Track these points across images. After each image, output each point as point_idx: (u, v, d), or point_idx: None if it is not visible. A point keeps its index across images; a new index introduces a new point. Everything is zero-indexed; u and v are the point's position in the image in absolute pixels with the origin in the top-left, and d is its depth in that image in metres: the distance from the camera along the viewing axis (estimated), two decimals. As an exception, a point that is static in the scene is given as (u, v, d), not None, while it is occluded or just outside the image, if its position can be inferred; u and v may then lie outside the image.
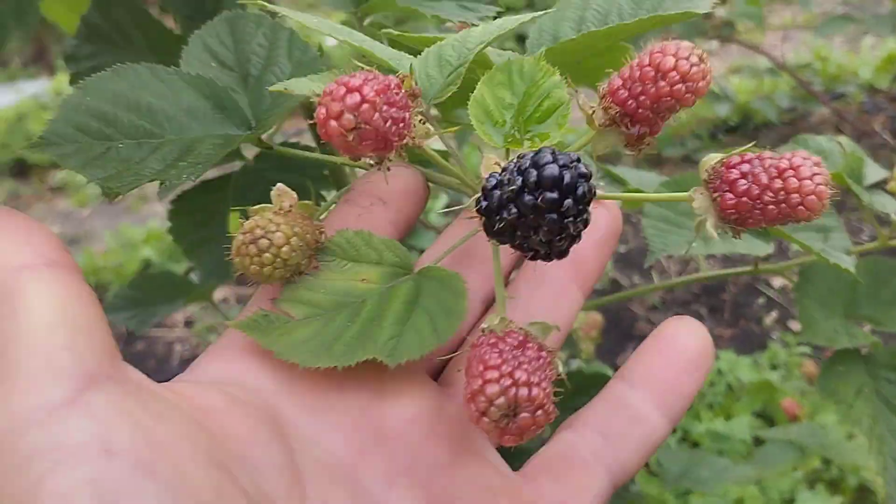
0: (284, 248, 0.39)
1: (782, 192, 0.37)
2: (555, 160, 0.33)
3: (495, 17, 0.56)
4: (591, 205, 0.34)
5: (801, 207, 0.37)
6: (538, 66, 0.41)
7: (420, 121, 0.39)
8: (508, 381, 0.34)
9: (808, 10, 3.51)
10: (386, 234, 0.44)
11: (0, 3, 0.54)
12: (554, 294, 0.45)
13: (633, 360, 0.45)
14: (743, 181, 0.38)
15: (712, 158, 0.39)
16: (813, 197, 0.36)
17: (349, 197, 0.46)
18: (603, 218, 0.47)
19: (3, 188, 3.91)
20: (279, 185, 0.42)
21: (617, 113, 0.39)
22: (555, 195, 0.32)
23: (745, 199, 0.37)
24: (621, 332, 2.41)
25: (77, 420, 0.28)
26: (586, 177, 0.33)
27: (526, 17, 0.46)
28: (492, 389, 0.34)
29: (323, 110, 0.35)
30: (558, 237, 0.33)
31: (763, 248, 0.62)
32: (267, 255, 0.39)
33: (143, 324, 0.97)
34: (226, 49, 0.50)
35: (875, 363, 0.67)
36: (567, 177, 0.32)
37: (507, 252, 0.40)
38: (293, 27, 0.51)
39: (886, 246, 0.71)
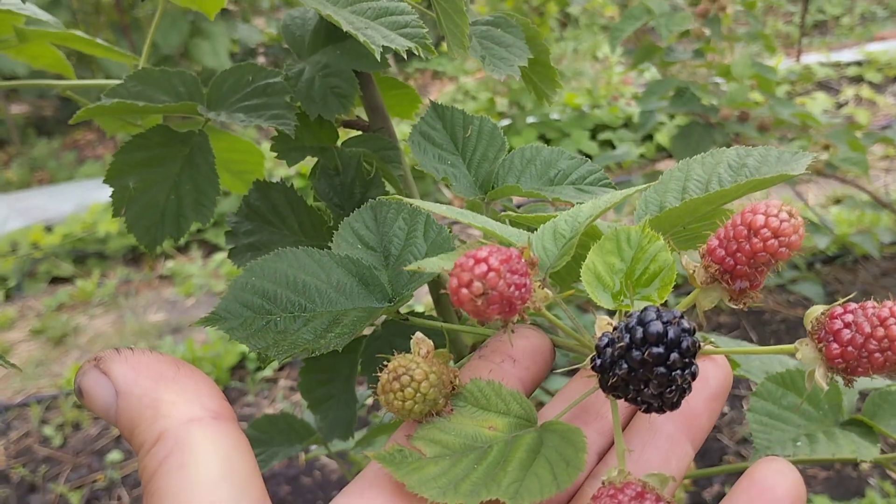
0: (424, 384, 0.42)
1: (885, 340, 0.37)
2: (659, 317, 0.36)
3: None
4: (698, 359, 0.37)
5: None
6: (644, 234, 0.44)
7: (539, 286, 0.42)
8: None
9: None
10: (514, 389, 0.47)
11: (185, 199, 0.63)
12: (666, 447, 0.46)
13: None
14: (847, 331, 0.39)
15: (816, 310, 0.41)
16: None
17: (483, 353, 0.49)
18: (713, 372, 0.48)
19: (116, 274, 4.13)
20: (418, 333, 0.47)
21: (717, 270, 0.41)
22: (660, 349, 0.35)
23: (850, 348, 0.38)
24: (709, 463, 2.34)
25: None
26: (689, 331, 0.36)
27: (630, 190, 0.50)
28: None
29: (455, 280, 0.38)
30: (668, 389, 0.36)
31: (870, 451, 0.61)
32: (409, 389, 0.42)
33: (265, 463, 1.02)
34: (370, 232, 0.57)
35: None
36: (671, 332, 0.36)
37: (622, 406, 0.43)
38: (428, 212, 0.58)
39: None
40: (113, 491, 2.66)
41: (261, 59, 6.20)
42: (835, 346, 0.39)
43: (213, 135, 0.79)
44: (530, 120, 4.59)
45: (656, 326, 0.36)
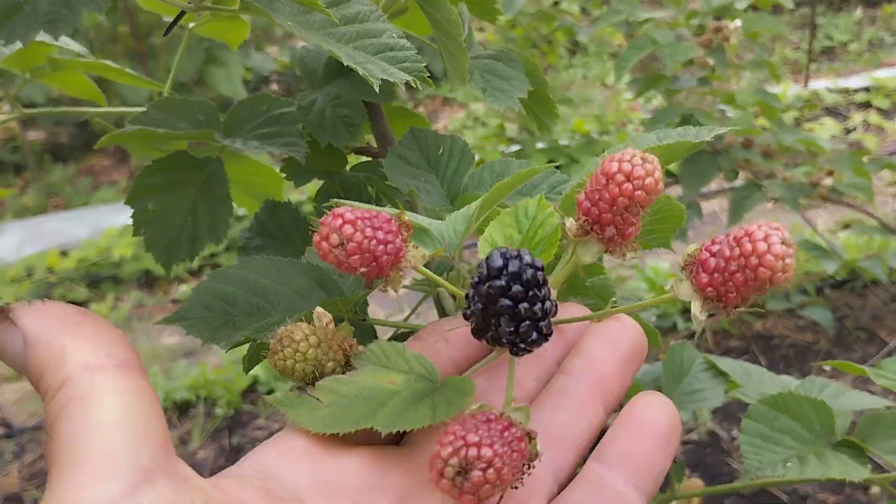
0: (302, 344, 0.45)
1: (741, 258, 0.38)
2: (501, 255, 0.39)
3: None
4: (549, 291, 0.39)
5: (761, 269, 0.37)
6: (540, 205, 0.47)
7: (413, 246, 0.45)
8: (460, 443, 0.37)
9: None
10: (444, 369, 0.48)
11: (200, 221, 0.67)
12: (577, 409, 0.47)
13: (608, 440, 0.46)
14: (712, 259, 0.40)
15: (691, 247, 0.42)
16: (769, 256, 0.37)
17: (419, 334, 0.51)
18: (622, 335, 0.49)
19: (130, 298, 4.16)
20: (318, 308, 0.49)
21: (585, 221, 0.43)
22: (501, 282, 0.38)
23: (715, 274, 0.39)
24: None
25: None
26: (532, 265, 0.38)
27: (541, 167, 0.53)
28: (445, 451, 0.37)
29: (317, 235, 0.42)
30: (522, 324, 0.39)
31: (860, 472, 0.63)
32: (288, 349, 0.45)
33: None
34: None
35: None
36: (511, 265, 0.38)
37: (538, 369, 0.47)
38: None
39: None
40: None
41: (273, 87, 6.28)
42: (703, 275, 0.40)
43: (236, 159, 0.82)
44: (540, 146, 4.63)
45: (496, 261, 0.38)
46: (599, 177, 0.41)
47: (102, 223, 4.59)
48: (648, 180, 0.40)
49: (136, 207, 0.66)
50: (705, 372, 0.81)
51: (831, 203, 2.04)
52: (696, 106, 2.07)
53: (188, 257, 0.68)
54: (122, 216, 4.49)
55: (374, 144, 0.77)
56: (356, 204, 0.46)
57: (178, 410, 3.20)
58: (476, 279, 0.39)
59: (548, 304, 0.40)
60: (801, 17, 6.32)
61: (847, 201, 2.36)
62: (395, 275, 0.44)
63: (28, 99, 5.21)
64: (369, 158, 0.75)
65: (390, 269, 0.43)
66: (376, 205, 0.69)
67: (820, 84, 5.19)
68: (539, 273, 0.39)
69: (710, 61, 1.80)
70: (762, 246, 0.37)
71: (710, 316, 0.42)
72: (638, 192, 0.40)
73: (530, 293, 0.38)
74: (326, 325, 0.48)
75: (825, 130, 4.33)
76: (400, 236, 0.43)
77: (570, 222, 0.45)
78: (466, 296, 0.41)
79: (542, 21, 3.09)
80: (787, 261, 0.37)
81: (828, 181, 1.93)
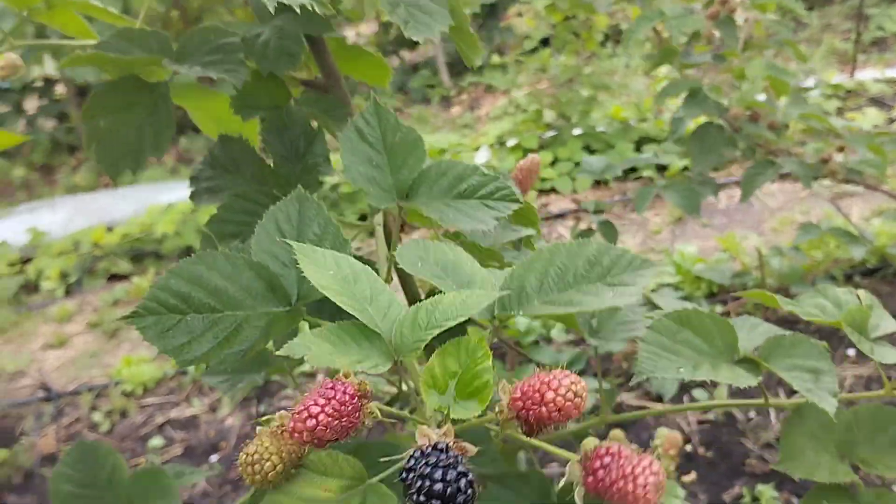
0: (271, 474, 0.53)
1: (626, 488, 0.48)
2: (441, 478, 0.46)
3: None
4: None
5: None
6: (480, 346, 0.53)
7: (367, 407, 0.52)
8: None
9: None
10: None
11: (146, 138, 0.72)
12: None
13: None
14: (602, 472, 0.50)
15: (590, 442, 0.52)
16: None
17: None
18: None
19: None
20: (282, 412, 0.56)
21: (514, 416, 0.52)
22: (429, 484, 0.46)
23: (600, 484, 0.50)
24: (731, 467, 2.34)
25: None
26: (466, 483, 0.46)
27: (495, 294, 0.57)
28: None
29: (291, 426, 0.50)
30: None
31: (748, 380, 0.66)
32: (258, 476, 0.53)
33: (232, 387, 1.08)
34: (291, 227, 0.64)
35: (859, 502, 0.70)
36: (449, 490, 0.46)
37: None
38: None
39: (892, 395, 0.75)
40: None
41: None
42: (590, 479, 0.50)
43: (212, 96, 0.88)
44: (576, 132, 4.64)
45: (438, 486, 0.46)
46: (536, 395, 0.50)
47: (147, 201, 4.74)
48: (574, 412, 0.50)
49: (89, 125, 0.72)
50: (643, 307, 0.84)
51: (869, 190, 2.02)
52: (711, 82, 2.07)
53: (133, 169, 0.73)
54: (166, 194, 4.64)
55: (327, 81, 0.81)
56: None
57: (209, 379, 3.31)
58: (414, 492, 0.47)
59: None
60: (852, 7, 6.19)
61: (883, 189, 2.33)
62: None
63: (82, 79, 5.40)
64: (315, 91, 0.79)
65: (350, 431, 0.52)
66: (317, 132, 0.74)
67: (867, 74, 5.08)
68: (470, 490, 0.47)
69: (717, 34, 1.81)
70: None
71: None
72: (561, 419, 0.50)
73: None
74: (282, 432, 0.55)
75: (867, 119, 4.25)
76: (360, 408, 0.52)
77: (503, 405, 0.52)
78: (405, 467, 0.49)
79: (580, 7, 3.10)
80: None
81: (838, 158, 1.92)
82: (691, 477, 2.42)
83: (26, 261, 4.59)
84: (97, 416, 3.19)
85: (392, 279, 0.72)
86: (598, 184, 4.47)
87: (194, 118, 0.92)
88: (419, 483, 0.46)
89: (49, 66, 5.66)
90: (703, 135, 1.93)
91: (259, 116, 0.77)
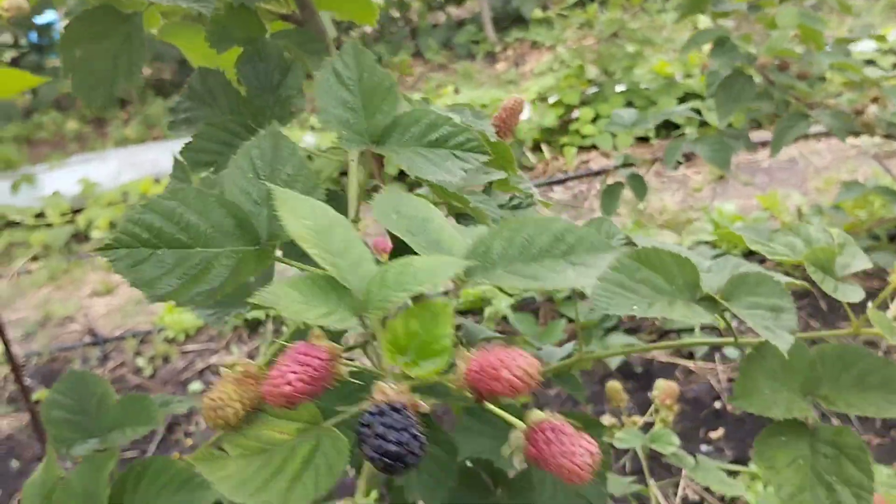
0: (233, 419, 0.55)
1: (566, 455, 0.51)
2: (396, 441, 0.48)
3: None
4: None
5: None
6: (443, 311, 0.53)
7: (337, 365, 0.53)
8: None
9: None
10: None
11: (120, 67, 0.74)
12: None
13: None
14: (545, 446, 0.53)
15: (537, 415, 0.54)
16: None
17: None
18: None
19: None
20: (246, 360, 0.58)
21: (469, 386, 0.52)
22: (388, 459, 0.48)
23: (543, 453, 0.53)
24: (759, 425, 2.34)
25: None
26: (420, 447, 0.49)
27: (463, 263, 0.57)
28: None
29: (266, 388, 0.51)
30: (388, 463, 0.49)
31: (702, 317, 0.67)
32: (220, 421, 0.55)
33: (219, 321, 1.11)
34: (264, 164, 0.63)
35: (817, 438, 0.70)
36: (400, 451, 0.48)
37: None
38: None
39: (858, 333, 0.74)
40: (192, 417, 2.87)
41: None
42: (532, 449, 0.53)
43: (195, 31, 0.89)
44: (619, 88, 4.57)
45: (391, 447, 0.48)
46: (490, 370, 0.51)
47: (193, 154, 4.81)
48: (523, 388, 0.51)
49: (66, 55, 0.74)
50: (621, 243, 0.83)
51: (886, 137, 1.96)
52: (746, 32, 2.02)
53: (107, 99, 0.75)
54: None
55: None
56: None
57: (249, 328, 3.39)
58: (368, 446, 0.49)
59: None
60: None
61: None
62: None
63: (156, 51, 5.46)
64: (291, 25, 0.80)
65: (322, 389, 0.54)
66: (291, 65, 0.75)
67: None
68: (418, 451, 0.49)
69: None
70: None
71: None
72: (513, 394, 0.51)
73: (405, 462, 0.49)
74: (245, 379, 0.57)
75: (923, 75, 4.09)
76: (329, 370, 0.53)
77: (460, 371, 0.53)
78: (360, 422, 0.50)
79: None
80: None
81: (872, 109, 1.86)
82: (719, 433, 2.43)
83: (77, 211, 4.73)
84: (141, 361, 3.30)
85: (361, 219, 0.73)
86: (641, 141, 4.41)
87: (187, 56, 0.94)
88: (374, 441, 0.48)
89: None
90: (730, 84, 1.88)
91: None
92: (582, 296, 0.74)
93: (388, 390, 0.50)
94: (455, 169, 0.65)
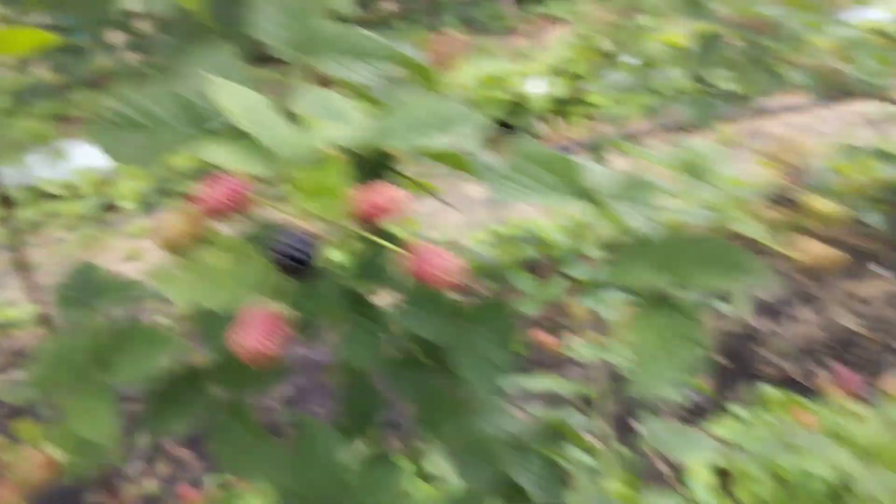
0: (174, 237, 0.70)
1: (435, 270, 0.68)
2: (294, 247, 0.65)
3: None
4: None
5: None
6: (337, 163, 0.67)
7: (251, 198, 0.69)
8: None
9: None
10: None
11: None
12: None
13: None
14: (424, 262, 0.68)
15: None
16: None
17: None
18: None
19: None
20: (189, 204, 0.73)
21: (359, 217, 0.68)
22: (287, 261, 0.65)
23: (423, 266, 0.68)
24: (745, 373, 2.46)
25: None
26: (309, 247, 0.65)
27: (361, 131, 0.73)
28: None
29: (199, 199, 0.67)
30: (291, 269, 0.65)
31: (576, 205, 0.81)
32: (163, 240, 0.70)
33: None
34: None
35: (680, 311, 0.79)
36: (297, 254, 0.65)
37: None
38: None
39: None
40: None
41: None
42: (410, 264, 0.68)
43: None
44: (632, 61, 4.63)
45: (292, 251, 0.64)
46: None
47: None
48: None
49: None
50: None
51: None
52: None
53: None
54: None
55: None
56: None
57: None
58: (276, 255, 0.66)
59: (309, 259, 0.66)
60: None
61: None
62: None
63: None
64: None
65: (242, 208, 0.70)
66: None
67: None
68: (309, 260, 0.65)
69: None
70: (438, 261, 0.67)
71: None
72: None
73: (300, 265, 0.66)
74: (190, 216, 0.71)
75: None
76: (245, 193, 0.69)
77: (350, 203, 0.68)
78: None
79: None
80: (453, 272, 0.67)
81: (840, 67, 1.95)
82: (707, 381, 2.55)
83: (107, 183, 4.93)
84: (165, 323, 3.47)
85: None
86: (652, 112, 4.48)
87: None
88: (281, 248, 0.65)
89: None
90: (706, 44, 1.98)
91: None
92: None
93: (294, 220, 0.66)
94: (365, 73, 0.80)
